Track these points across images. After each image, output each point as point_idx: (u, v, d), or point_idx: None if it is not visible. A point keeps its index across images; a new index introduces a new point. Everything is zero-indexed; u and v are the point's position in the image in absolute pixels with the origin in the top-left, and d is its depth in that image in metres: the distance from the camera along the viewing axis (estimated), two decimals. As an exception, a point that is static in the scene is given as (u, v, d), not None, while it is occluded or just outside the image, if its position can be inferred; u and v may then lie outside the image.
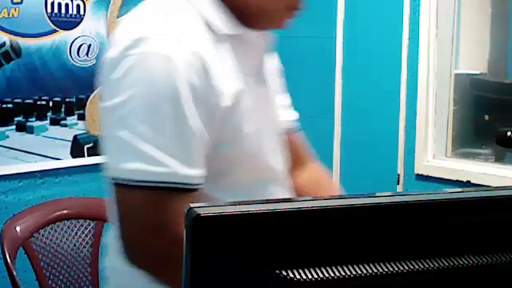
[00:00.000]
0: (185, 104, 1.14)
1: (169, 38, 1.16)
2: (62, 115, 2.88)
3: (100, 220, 2.21)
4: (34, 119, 2.80)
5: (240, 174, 1.28)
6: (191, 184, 1.15)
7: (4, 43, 2.68)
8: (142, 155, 1.11)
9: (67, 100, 2.88)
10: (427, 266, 0.78)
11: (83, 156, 2.94)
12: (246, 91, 1.25)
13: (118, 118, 1.14)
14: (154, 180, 1.12)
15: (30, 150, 2.80)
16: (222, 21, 1.25)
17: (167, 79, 1.13)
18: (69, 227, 2.22)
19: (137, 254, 1.17)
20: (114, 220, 1.21)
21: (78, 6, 2.85)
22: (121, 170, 1.13)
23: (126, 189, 1.13)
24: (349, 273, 0.76)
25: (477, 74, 3.30)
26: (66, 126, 2.89)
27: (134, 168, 1.12)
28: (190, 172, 1.15)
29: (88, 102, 2.94)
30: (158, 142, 1.12)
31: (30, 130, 2.80)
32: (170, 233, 1.12)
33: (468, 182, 2.84)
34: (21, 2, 2.70)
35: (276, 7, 1.27)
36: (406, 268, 0.78)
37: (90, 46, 2.90)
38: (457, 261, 0.80)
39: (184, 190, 1.13)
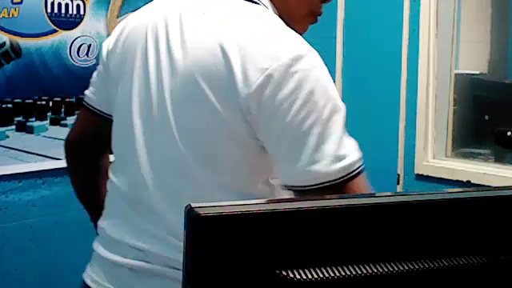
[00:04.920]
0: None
1: (314, 52, 1.28)
2: (62, 115, 2.88)
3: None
4: (33, 119, 2.80)
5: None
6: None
7: (4, 43, 2.67)
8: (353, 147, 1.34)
9: (67, 100, 2.88)
10: (427, 266, 0.78)
11: (83, 156, 2.94)
12: None
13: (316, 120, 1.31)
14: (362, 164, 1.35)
15: (30, 150, 2.80)
16: None
17: (332, 87, 1.31)
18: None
19: None
20: None
21: (78, 6, 2.85)
22: (354, 161, 1.33)
23: (358, 176, 1.33)
24: (349, 273, 0.76)
25: (477, 74, 3.31)
26: (65, 126, 2.89)
27: (358, 157, 1.34)
28: None
29: (88, 102, 2.94)
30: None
31: (30, 130, 2.80)
32: None
33: (468, 181, 2.84)
34: (21, 2, 2.70)
35: (301, 13, 1.41)
36: (406, 268, 0.78)
37: (90, 46, 2.90)
38: (456, 261, 0.80)
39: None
